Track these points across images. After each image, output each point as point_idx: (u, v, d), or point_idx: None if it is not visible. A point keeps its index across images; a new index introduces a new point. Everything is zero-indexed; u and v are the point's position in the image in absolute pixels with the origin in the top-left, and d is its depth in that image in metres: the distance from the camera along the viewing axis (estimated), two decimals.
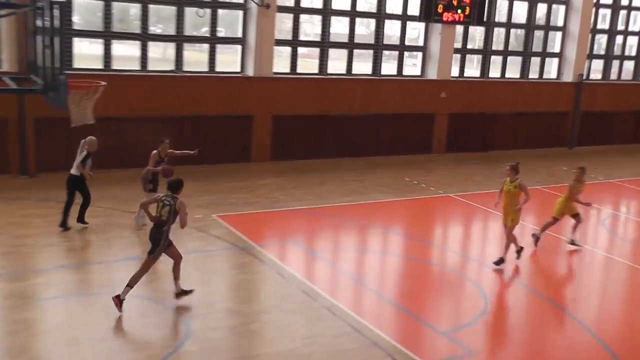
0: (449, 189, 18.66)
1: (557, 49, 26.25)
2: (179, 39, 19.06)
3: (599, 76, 27.86)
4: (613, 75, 28.13)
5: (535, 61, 25.82)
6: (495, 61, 24.91)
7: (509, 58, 25.19)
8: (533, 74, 25.85)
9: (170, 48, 19.34)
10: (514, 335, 10.58)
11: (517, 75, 25.46)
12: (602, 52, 27.70)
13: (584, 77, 26.20)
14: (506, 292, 12.36)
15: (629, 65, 28.73)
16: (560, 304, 11.72)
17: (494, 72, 24.87)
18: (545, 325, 10.90)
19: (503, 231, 13.19)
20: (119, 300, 10.05)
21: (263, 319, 10.31)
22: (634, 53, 28.56)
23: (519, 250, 13.23)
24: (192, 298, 10.75)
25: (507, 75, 25.16)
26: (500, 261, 12.93)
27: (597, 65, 27.73)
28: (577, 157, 24.77)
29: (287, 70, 20.82)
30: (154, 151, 13.95)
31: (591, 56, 27.00)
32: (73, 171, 13.33)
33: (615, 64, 28.08)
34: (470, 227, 16.30)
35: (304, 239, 14.12)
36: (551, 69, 26.40)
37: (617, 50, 27.98)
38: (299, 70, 20.98)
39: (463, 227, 16.18)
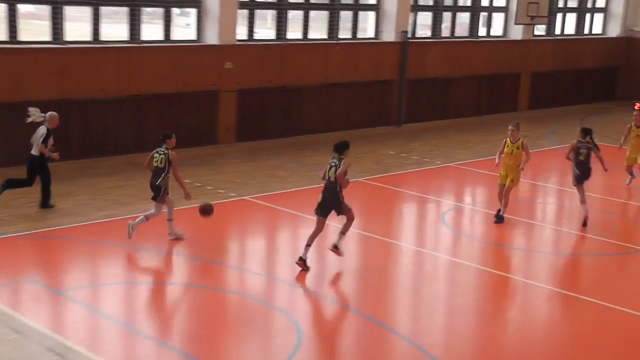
0: (243, 190, 18.92)
1: (373, 0, 27.41)
2: None
3: (428, 33, 29.47)
4: (445, 32, 29.89)
5: (346, 16, 26.80)
6: (296, 17, 25.56)
7: (313, 13, 25.98)
8: (345, 33, 26.82)
9: None
10: None
11: (325, 36, 26.29)
12: (430, 3, 29.28)
13: (410, 35, 27.55)
14: (323, 318, 12.96)
15: (464, 19, 30.64)
16: (382, 320, 12.46)
17: (295, 32, 25.52)
18: (369, 349, 11.59)
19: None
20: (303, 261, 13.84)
21: None
22: (469, 2, 30.46)
23: (500, 213, 17.02)
24: None
25: (311, 36, 25.91)
26: (500, 218, 16.98)
27: (425, 19, 29.33)
28: (408, 137, 26.06)
29: (5, 38, 20.12)
30: (173, 152, 14.78)
31: (416, 7, 28.42)
32: (33, 151, 16.27)
33: (447, 17, 29.82)
34: (275, 239, 16.67)
35: (44, 275, 13.83)
36: (367, 26, 27.55)
37: (447, 0, 29.69)
38: (22, 37, 20.34)
39: (265, 240, 16.53)
